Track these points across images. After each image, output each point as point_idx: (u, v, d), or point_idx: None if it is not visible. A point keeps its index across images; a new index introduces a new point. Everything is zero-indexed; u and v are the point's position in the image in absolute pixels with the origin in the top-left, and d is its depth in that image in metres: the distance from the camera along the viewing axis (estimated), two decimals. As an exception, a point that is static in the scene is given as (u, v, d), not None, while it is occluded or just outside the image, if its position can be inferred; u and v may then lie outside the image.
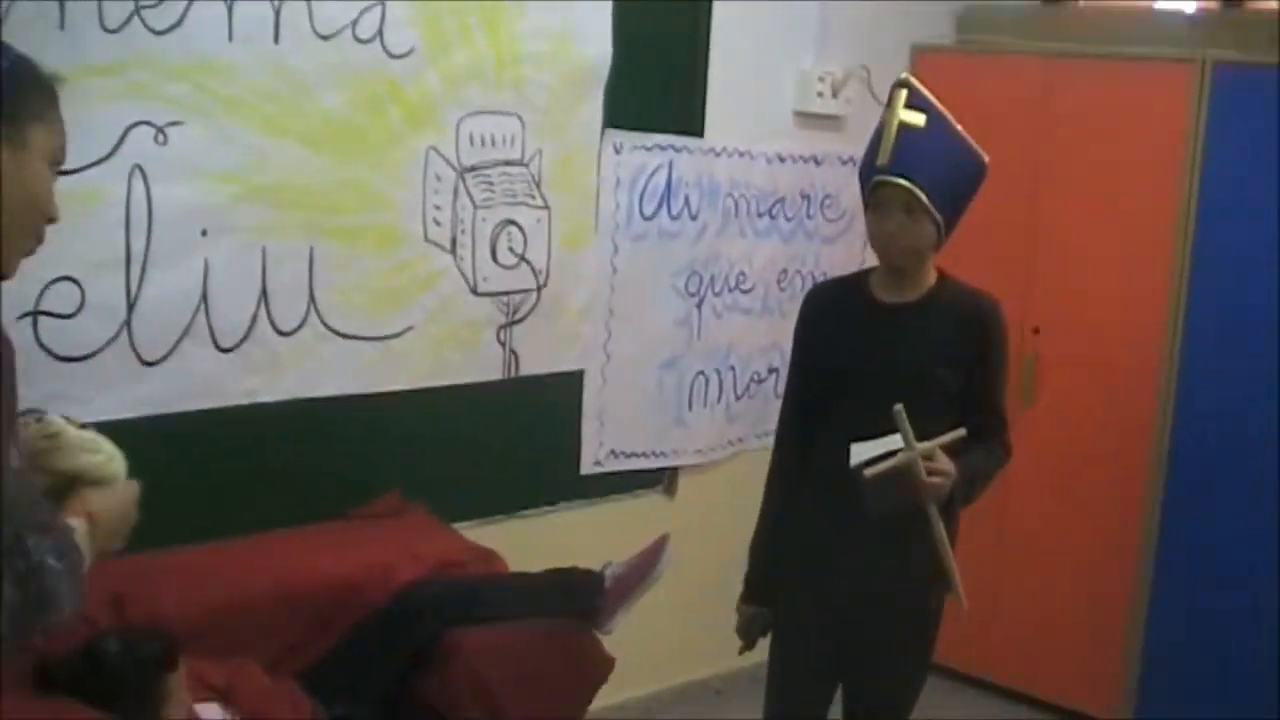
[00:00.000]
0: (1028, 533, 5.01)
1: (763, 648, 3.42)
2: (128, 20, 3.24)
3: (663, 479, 4.80)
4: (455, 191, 3.98)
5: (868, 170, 3.14)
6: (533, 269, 4.20)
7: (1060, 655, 5.00)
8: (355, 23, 3.65)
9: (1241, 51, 4.54)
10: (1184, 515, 4.70)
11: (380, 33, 3.70)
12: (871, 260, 3.32)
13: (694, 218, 4.62)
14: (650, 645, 4.49)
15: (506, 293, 4.16)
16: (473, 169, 4.00)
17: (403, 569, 3.49)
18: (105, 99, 3.24)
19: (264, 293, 3.61)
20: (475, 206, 4.03)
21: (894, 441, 2.91)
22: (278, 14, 3.49)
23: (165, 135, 3.35)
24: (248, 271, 3.57)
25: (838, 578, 3.20)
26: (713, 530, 4.42)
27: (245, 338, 3.60)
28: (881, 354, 3.14)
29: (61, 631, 2.92)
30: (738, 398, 4.92)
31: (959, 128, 3.13)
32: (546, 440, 4.40)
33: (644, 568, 3.41)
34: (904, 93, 3.12)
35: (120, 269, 3.34)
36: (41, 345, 3.24)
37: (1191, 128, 4.56)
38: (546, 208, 4.21)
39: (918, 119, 3.09)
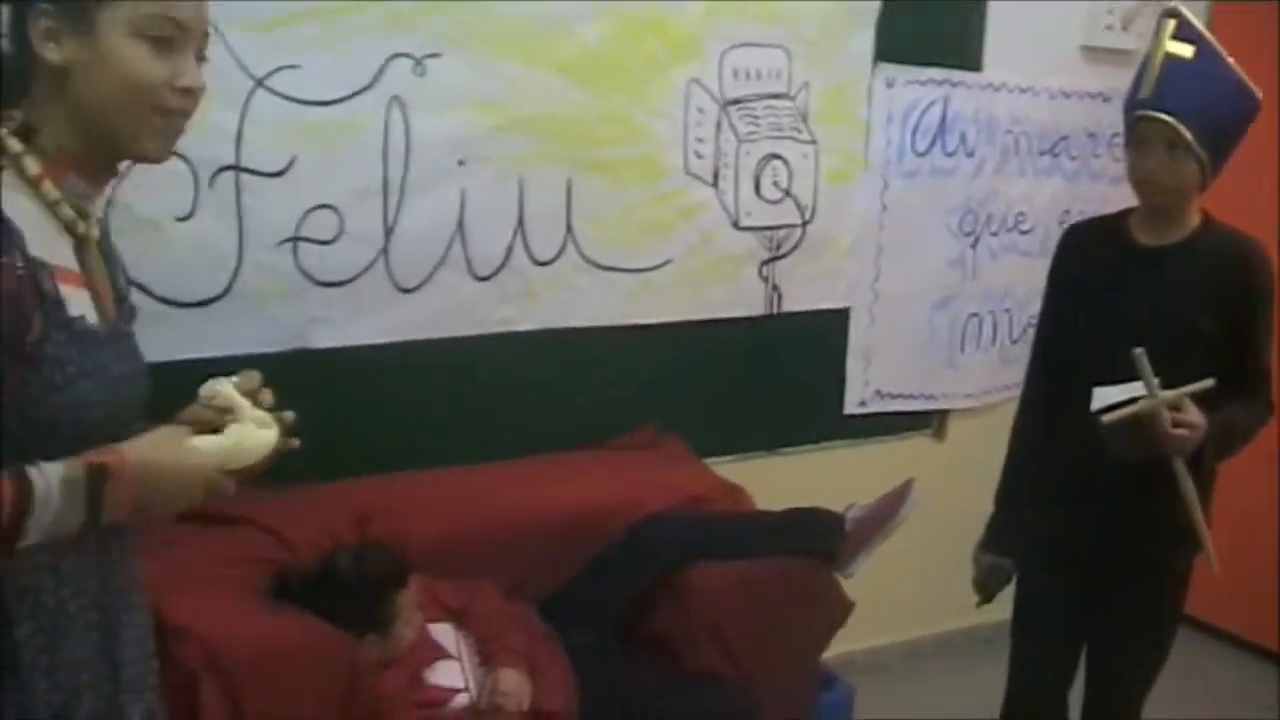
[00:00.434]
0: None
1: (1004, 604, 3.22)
2: (389, -47, 3.25)
3: (931, 422, 4.62)
4: (718, 124, 3.88)
5: (1130, 104, 2.89)
6: (797, 204, 4.07)
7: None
8: (616, -46, 3.57)
9: None
10: None
11: (642, -36, 3.61)
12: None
13: (970, 155, 4.39)
14: (902, 593, 4.34)
15: (770, 227, 4.04)
16: (736, 102, 3.89)
17: (648, 501, 3.45)
18: (364, 31, 3.27)
19: (520, 223, 3.60)
20: (739, 140, 3.92)
21: (1139, 388, 2.68)
22: (538, -53, 3.45)
23: (423, 66, 3.36)
24: (504, 202, 3.56)
25: (1081, 534, 2.98)
26: (984, 476, 4.21)
27: (501, 267, 3.60)
28: (1137, 298, 2.89)
29: (303, 546, 3.01)
30: (1013, 341, 4.67)
31: (1230, 61, 2.84)
32: (809, 378, 4.27)
33: (887, 512, 3.28)
34: (1172, 23, 2.85)
35: (378, 198, 3.37)
36: (301, 270, 3.31)
37: None
38: (814, 142, 4.06)
39: (1185, 50, 2.82)
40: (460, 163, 3.47)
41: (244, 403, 1.73)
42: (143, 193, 3.02)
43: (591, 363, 3.81)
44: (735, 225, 3.97)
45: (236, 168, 3.17)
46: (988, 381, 4.66)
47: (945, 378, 4.57)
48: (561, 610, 3.27)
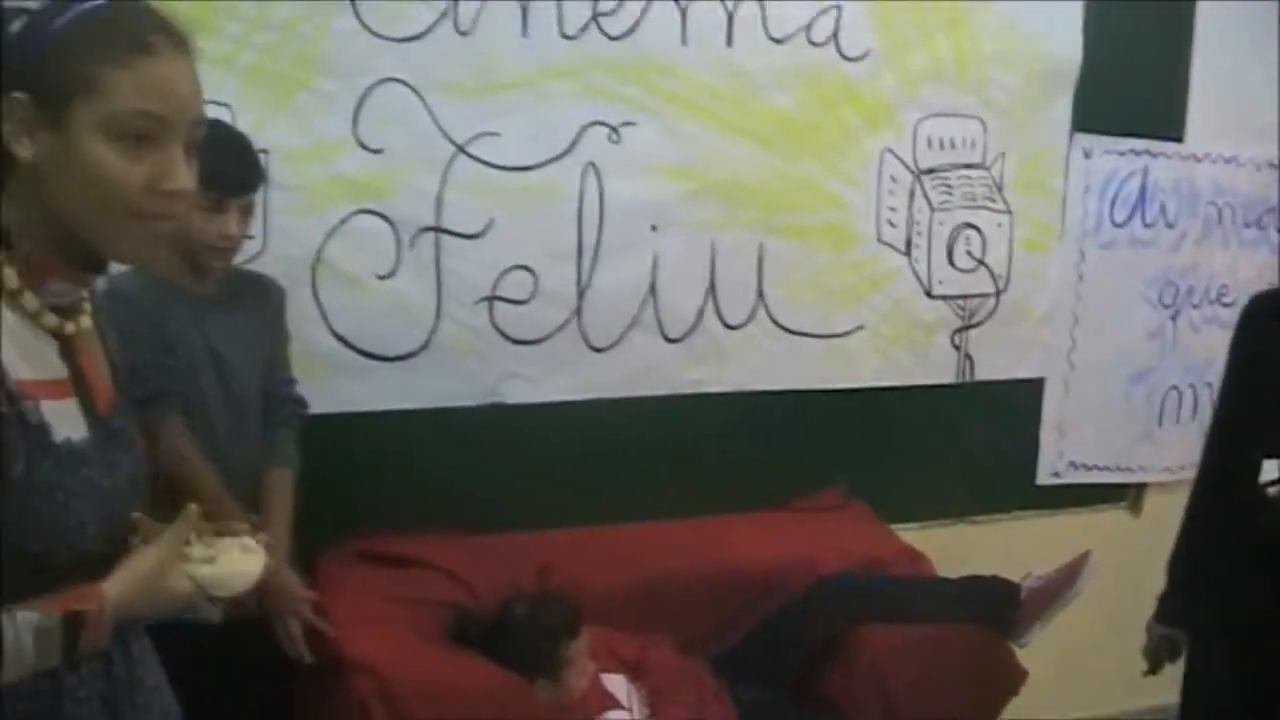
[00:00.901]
0: None
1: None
2: (585, 26, 3.32)
3: (1127, 495, 4.44)
4: (911, 193, 3.82)
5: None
6: (991, 273, 3.98)
7: None
8: (809, 26, 3.57)
9: None
10: None
11: (835, 35, 3.61)
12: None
13: (1170, 226, 4.24)
14: (1088, 667, 4.15)
15: (963, 296, 3.96)
16: (930, 171, 3.83)
17: (825, 563, 3.40)
18: (563, 100, 3.33)
19: (712, 286, 3.60)
20: (932, 209, 3.86)
21: None
22: (731, 18, 3.47)
23: (618, 134, 3.40)
24: (696, 265, 3.57)
25: (1253, 611, 2.81)
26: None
27: (692, 329, 3.60)
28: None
29: (485, 592, 3.03)
30: (1215, 415, 4.46)
31: None
32: (1000, 447, 4.15)
33: (1063, 583, 3.18)
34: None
35: (572, 260, 3.41)
36: (496, 328, 3.36)
37: None
38: (1008, 212, 3.97)
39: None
40: (653, 227, 3.49)
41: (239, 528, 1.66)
42: (347, 251, 3.14)
43: (780, 426, 3.77)
44: (928, 293, 3.91)
45: (437, 229, 3.24)
46: (1186, 456, 4.44)
47: (1142, 450, 4.40)
48: (734, 666, 3.25)
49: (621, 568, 3.27)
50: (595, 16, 3.31)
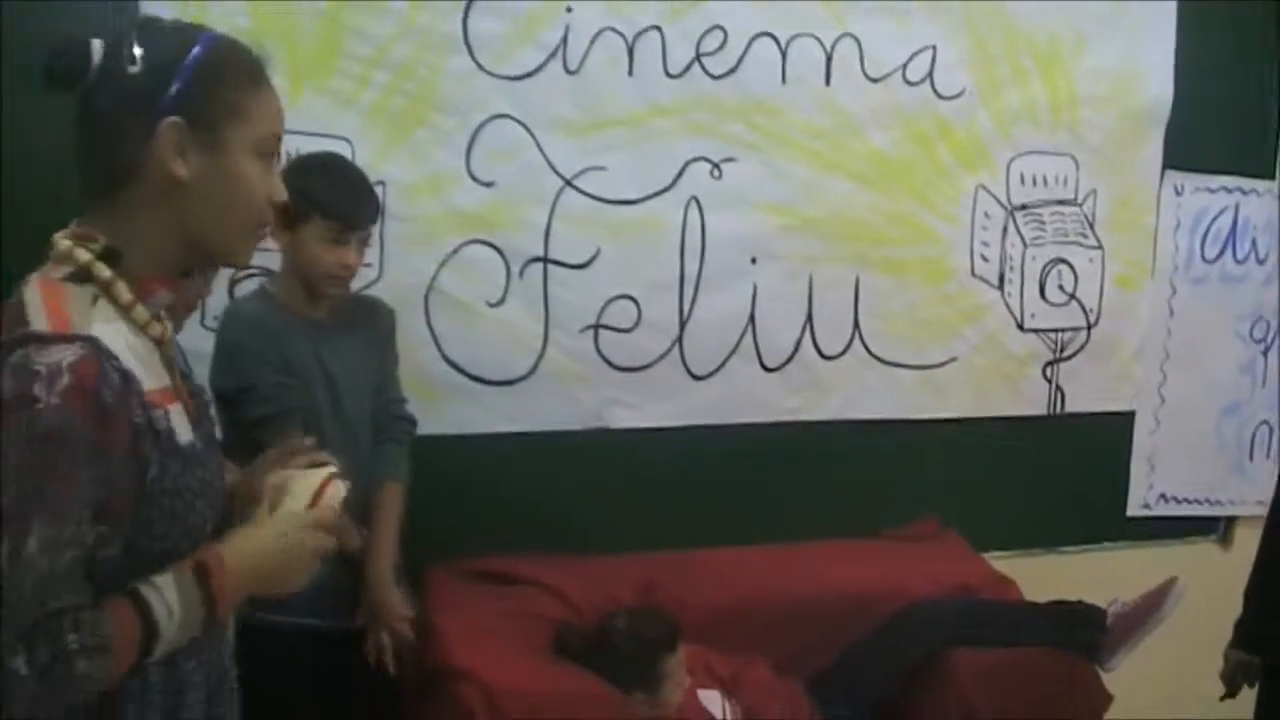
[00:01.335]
0: None
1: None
2: (689, 66, 3.36)
3: (1217, 527, 4.37)
4: (1004, 229, 3.82)
5: None
6: (1083, 308, 3.96)
7: None
8: (905, 66, 3.59)
9: None
10: None
11: (930, 75, 3.62)
12: None
13: (1261, 262, 4.19)
14: (1172, 695, 4.08)
15: (1054, 330, 3.94)
16: (1023, 207, 3.82)
17: (918, 588, 3.39)
18: (668, 137, 3.38)
19: (809, 318, 3.62)
20: (1025, 244, 3.85)
21: None
22: (829, 58, 3.50)
23: (720, 170, 3.44)
24: (794, 297, 3.60)
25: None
26: (1271, 586, 3.96)
27: (790, 359, 3.62)
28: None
29: (588, 609, 3.06)
30: (1308, 450, 4.40)
31: None
32: (1091, 479, 4.12)
33: (1150, 608, 3.16)
34: None
35: (674, 290, 3.45)
36: (601, 355, 3.40)
37: None
38: (1100, 248, 3.95)
39: None
40: (753, 260, 3.52)
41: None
42: (459, 280, 3.20)
43: (875, 454, 3.78)
44: (1020, 327, 3.89)
45: (545, 259, 3.30)
46: (1279, 490, 4.39)
47: (1233, 484, 4.33)
48: (827, 688, 3.24)
49: (719, 589, 3.29)
50: (699, 56, 3.35)
